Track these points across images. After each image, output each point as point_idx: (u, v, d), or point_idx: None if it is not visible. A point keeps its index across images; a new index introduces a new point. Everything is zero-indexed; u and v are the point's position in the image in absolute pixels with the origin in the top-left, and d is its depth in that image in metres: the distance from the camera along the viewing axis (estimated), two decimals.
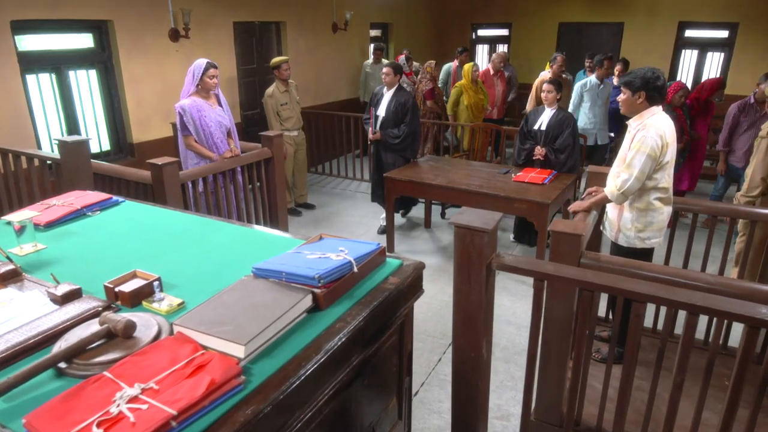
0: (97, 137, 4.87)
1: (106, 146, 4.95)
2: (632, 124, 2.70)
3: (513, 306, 3.84)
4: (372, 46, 7.51)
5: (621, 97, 2.71)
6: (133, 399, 1.04)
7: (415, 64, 8.02)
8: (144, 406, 1.03)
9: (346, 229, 5.26)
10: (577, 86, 5.77)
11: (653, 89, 2.57)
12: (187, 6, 5.10)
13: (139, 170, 3.31)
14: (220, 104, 3.70)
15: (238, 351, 1.18)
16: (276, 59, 5.30)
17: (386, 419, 1.75)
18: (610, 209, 2.88)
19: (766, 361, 1.68)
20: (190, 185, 3.34)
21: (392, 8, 8.77)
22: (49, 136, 4.46)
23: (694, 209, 2.92)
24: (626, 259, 2.17)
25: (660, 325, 3.09)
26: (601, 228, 3.03)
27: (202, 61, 3.54)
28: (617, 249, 2.89)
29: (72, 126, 4.59)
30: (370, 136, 4.83)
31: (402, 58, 6.77)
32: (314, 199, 6.08)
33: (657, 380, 1.98)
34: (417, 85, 6.73)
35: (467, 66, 6.10)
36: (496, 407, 2.81)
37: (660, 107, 2.65)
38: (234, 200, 3.64)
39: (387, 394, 1.73)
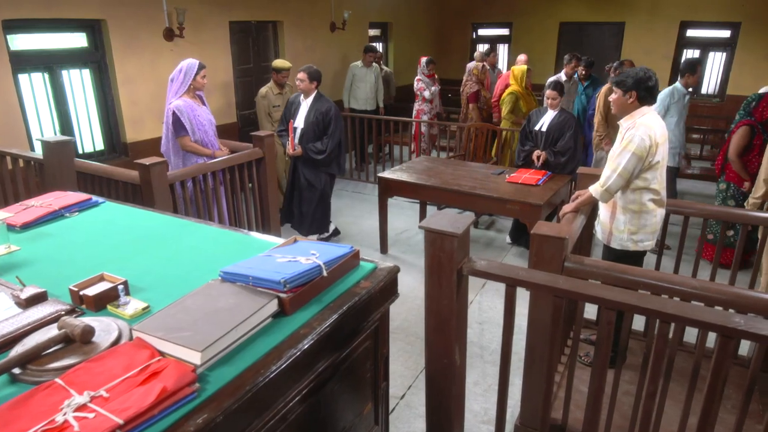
0: (91, 137, 4.86)
1: (100, 146, 4.95)
2: (623, 124, 2.67)
3: (502, 308, 3.79)
4: (364, 48, 6.97)
5: (612, 97, 2.68)
6: (81, 407, 1.02)
7: (385, 68, 7.70)
8: (91, 415, 1.00)
9: (342, 229, 5.22)
10: (663, 96, 4.57)
11: (645, 89, 2.54)
12: (181, 5, 5.08)
13: (127, 170, 3.28)
14: (203, 103, 3.69)
15: (195, 357, 1.15)
16: (281, 63, 5.18)
17: (361, 425, 1.72)
18: (602, 211, 2.85)
19: (752, 367, 1.64)
20: (179, 186, 3.32)
21: (392, 7, 8.73)
22: (42, 136, 4.45)
23: (686, 212, 2.88)
24: (611, 263, 2.13)
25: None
26: (594, 231, 3.00)
27: (193, 62, 3.53)
28: (609, 252, 2.85)
29: (65, 126, 4.59)
30: (290, 151, 4.30)
31: (424, 61, 6.47)
32: None
33: (642, 386, 1.94)
34: (462, 87, 6.53)
35: (520, 69, 5.61)
36: (484, 411, 2.78)
37: (652, 108, 2.62)
38: (224, 200, 3.62)
39: (361, 400, 1.70)
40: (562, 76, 5.97)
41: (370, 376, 1.71)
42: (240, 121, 6.23)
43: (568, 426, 2.32)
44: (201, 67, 3.53)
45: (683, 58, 8.68)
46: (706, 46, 8.53)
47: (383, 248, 4.66)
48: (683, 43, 8.60)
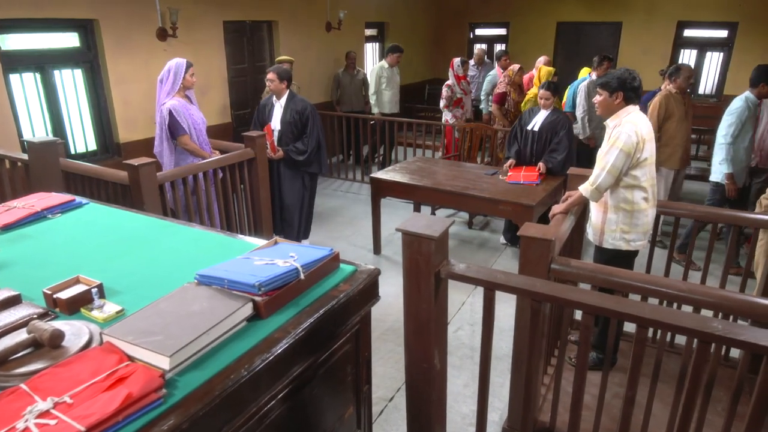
0: (84, 137, 4.84)
1: (93, 146, 4.93)
2: (609, 124, 2.67)
3: (496, 309, 3.77)
4: (389, 47, 6.62)
5: (597, 99, 2.67)
6: (44, 414, 1.00)
7: (361, 71, 7.32)
8: (53, 422, 0.98)
9: (336, 230, 5.22)
10: (739, 111, 4.07)
11: (630, 90, 2.55)
12: (175, 5, 5.06)
13: (116, 171, 3.25)
14: (192, 102, 3.69)
15: (164, 362, 1.13)
16: (282, 57, 5.43)
17: (342, 428, 1.70)
18: (594, 212, 2.83)
19: (739, 370, 1.62)
20: (169, 187, 3.30)
21: (388, 7, 8.70)
22: (33, 136, 4.43)
23: (677, 213, 2.86)
24: (598, 264, 2.12)
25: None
26: (585, 233, 2.98)
27: (181, 61, 3.51)
28: (600, 253, 2.84)
29: (57, 126, 4.57)
30: (271, 154, 4.12)
31: (457, 62, 6.16)
32: None
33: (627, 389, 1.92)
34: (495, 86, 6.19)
35: (547, 70, 5.31)
36: (473, 414, 2.75)
37: (637, 107, 2.62)
38: (215, 202, 3.60)
39: (342, 404, 1.68)
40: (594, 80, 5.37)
41: (352, 379, 1.69)
42: (234, 121, 6.22)
43: (556, 428, 2.30)
44: (189, 65, 3.52)
45: (680, 59, 8.66)
46: (704, 46, 8.52)
47: (376, 249, 4.64)
48: (680, 42, 8.58)
